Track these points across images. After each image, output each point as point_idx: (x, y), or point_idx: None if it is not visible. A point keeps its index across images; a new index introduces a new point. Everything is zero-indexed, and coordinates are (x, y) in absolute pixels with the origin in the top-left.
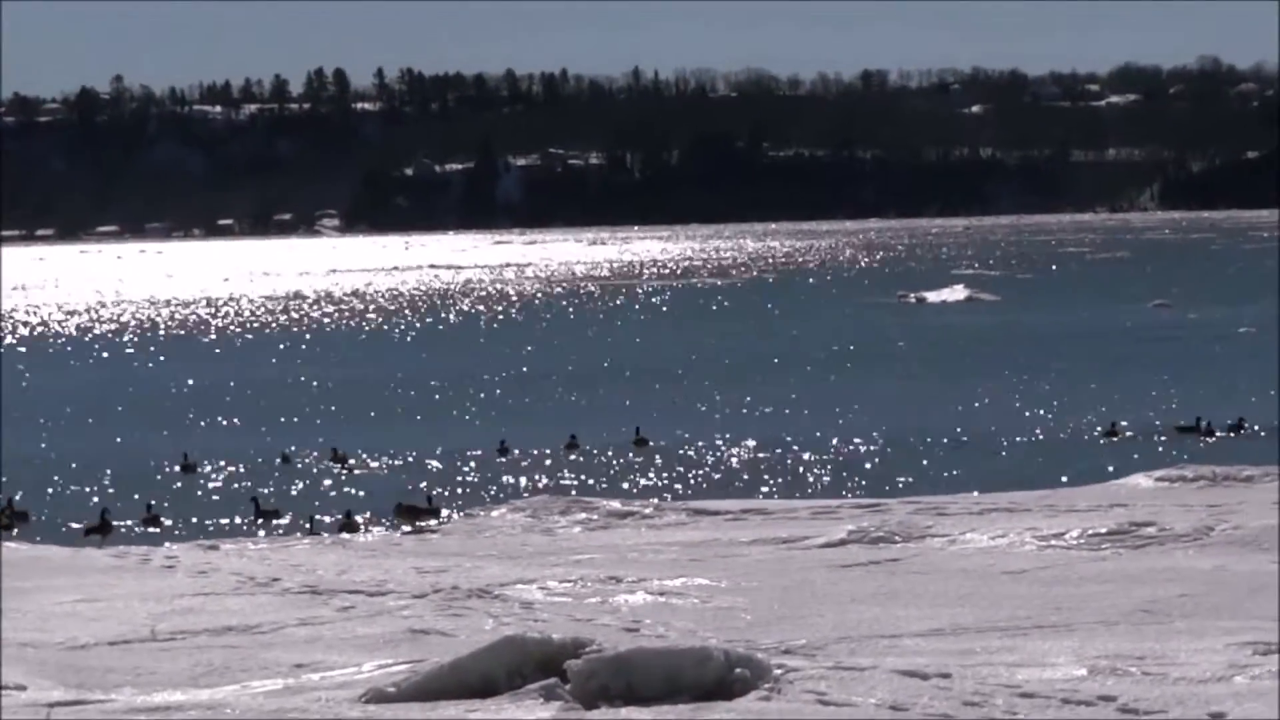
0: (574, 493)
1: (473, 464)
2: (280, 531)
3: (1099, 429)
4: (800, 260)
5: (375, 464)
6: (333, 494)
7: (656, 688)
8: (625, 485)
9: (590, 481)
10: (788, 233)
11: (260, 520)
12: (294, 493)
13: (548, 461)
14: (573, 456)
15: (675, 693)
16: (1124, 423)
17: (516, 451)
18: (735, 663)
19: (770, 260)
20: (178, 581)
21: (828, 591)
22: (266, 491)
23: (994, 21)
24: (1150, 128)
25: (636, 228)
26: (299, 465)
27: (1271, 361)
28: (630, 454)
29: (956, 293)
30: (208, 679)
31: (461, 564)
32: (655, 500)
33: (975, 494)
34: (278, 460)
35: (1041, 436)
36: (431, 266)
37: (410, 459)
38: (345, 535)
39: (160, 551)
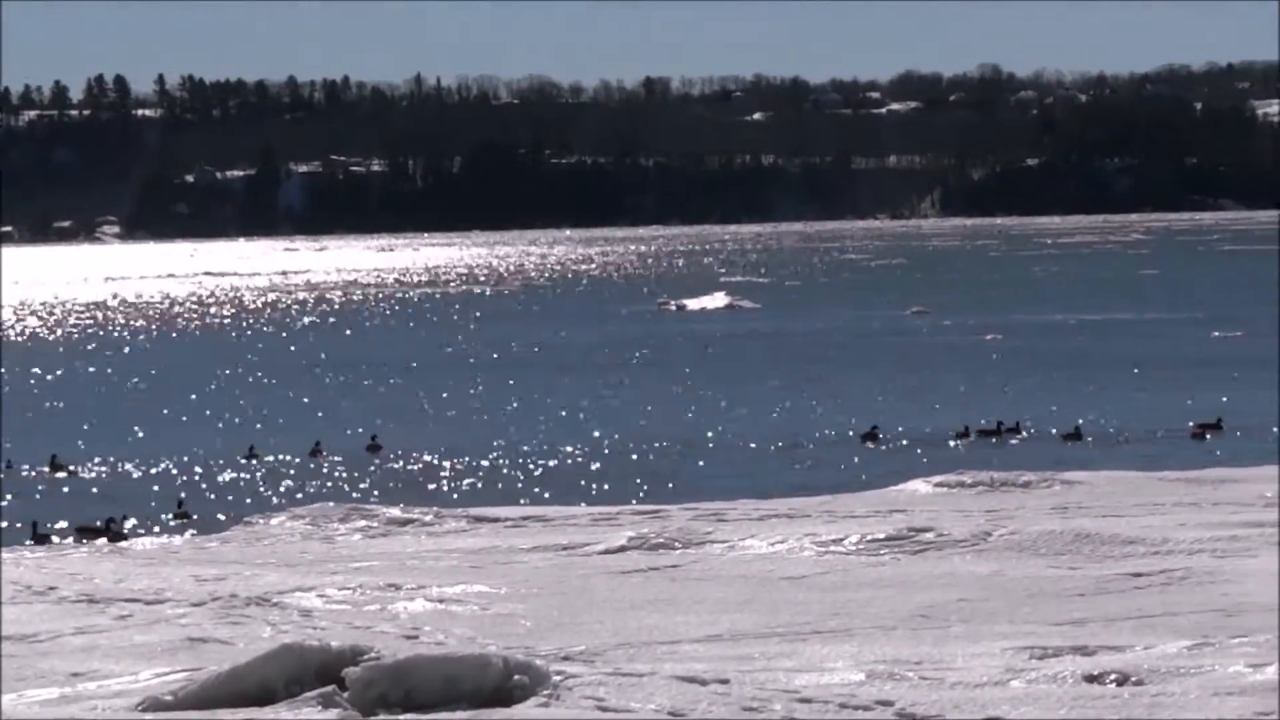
0: (332, 501)
1: (221, 470)
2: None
3: (855, 433)
4: (577, 267)
5: (99, 471)
6: (51, 501)
7: (435, 695)
8: (369, 490)
9: (335, 488)
10: (576, 240)
11: None
12: (10, 501)
13: (294, 468)
14: (319, 464)
15: (454, 700)
16: (893, 427)
17: (266, 457)
18: (514, 669)
19: (546, 267)
20: None
21: (607, 598)
22: None
23: (775, 30)
24: (931, 135)
25: (426, 235)
26: (19, 473)
27: (1015, 367)
28: (367, 460)
29: (717, 300)
30: None
31: (240, 572)
32: (436, 508)
33: (755, 500)
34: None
35: (807, 443)
36: (208, 274)
37: (138, 465)
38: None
39: None
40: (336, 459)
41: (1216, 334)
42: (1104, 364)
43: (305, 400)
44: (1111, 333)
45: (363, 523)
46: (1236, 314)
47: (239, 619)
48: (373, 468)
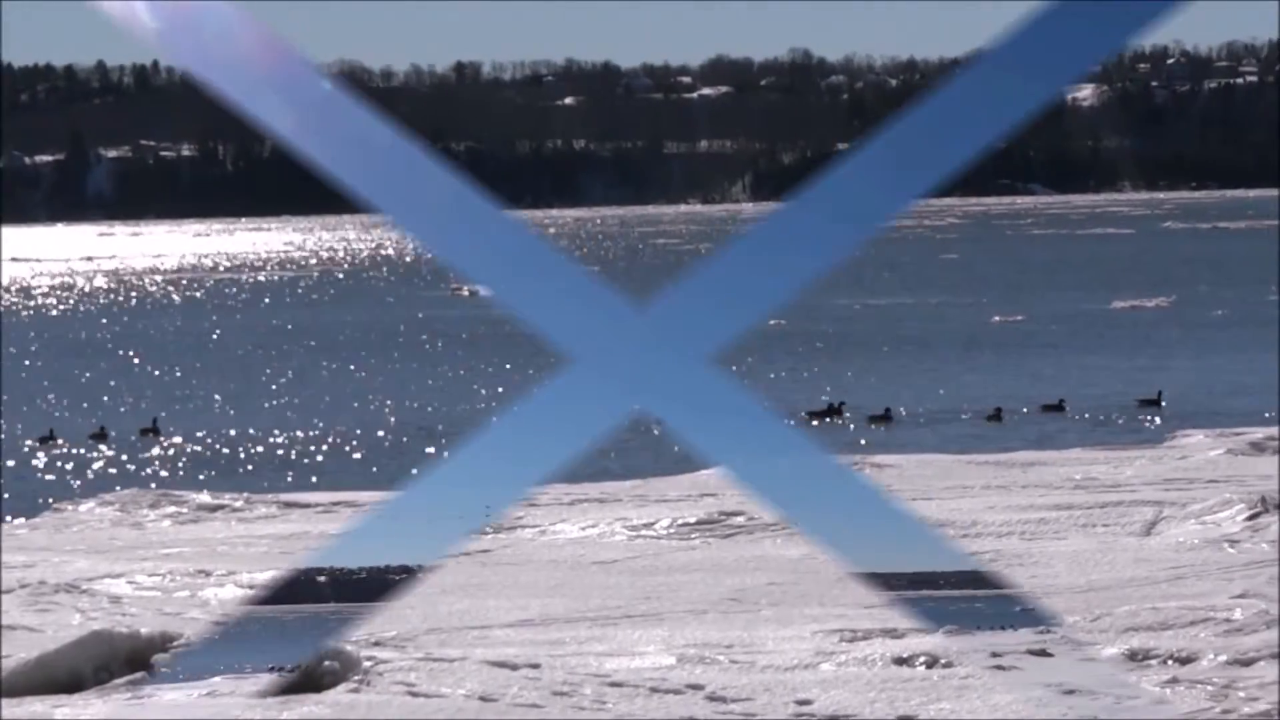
0: (136, 486)
1: (9, 455)
2: None
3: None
4: (383, 252)
5: None
6: None
7: None
8: (171, 476)
9: (135, 473)
10: (388, 225)
11: None
12: None
13: (83, 452)
14: (106, 448)
15: None
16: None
17: (58, 441)
18: (324, 655)
19: (353, 252)
20: None
21: (417, 582)
22: None
23: (586, 14)
24: (741, 120)
25: (241, 219)
26: None
27: (799, 351)
28: (146, 444)
29: None
30: None
31: (49, 558)
32: (246, 493)
33: (566, 484)
34: None
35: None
36: (14, 259)
37: None
38: None
39: None
40: (121, 443)
41: (997, 318)
42: (890, 346)
43: (88, 384)
44: (897, 316)
45: (173, 509)
46: (1020, 297)
47: (48, 606)
48: (154, 452)
